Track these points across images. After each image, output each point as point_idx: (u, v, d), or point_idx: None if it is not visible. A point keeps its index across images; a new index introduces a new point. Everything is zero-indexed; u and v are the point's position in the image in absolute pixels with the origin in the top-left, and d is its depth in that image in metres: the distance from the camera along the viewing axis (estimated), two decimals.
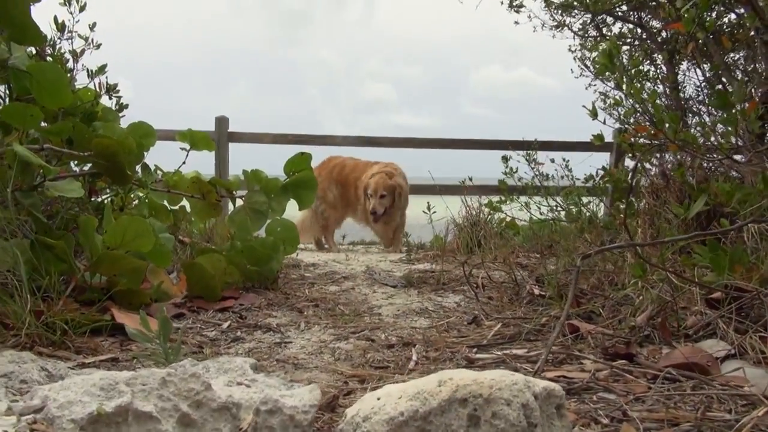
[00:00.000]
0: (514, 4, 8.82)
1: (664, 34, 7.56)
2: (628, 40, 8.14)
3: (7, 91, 2.77)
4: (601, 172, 5.06)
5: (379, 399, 0.87)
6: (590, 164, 7.81)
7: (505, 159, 5.19)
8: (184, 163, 3.65)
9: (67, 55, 3.70)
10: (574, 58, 8.01)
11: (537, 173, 6.03)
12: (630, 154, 4.45)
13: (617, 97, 3.16)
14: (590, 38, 8.45)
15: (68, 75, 3.50)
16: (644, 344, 1.82)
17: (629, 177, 2.87)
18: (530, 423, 0.77)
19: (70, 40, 3.47)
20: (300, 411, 0.85)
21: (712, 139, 2.80)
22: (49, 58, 3.44)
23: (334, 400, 1.25)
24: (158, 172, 3.59)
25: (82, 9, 3.53)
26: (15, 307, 1.71)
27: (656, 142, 3.00)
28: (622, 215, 3.63)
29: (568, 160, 6.04)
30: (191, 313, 2.50)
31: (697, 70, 5.63)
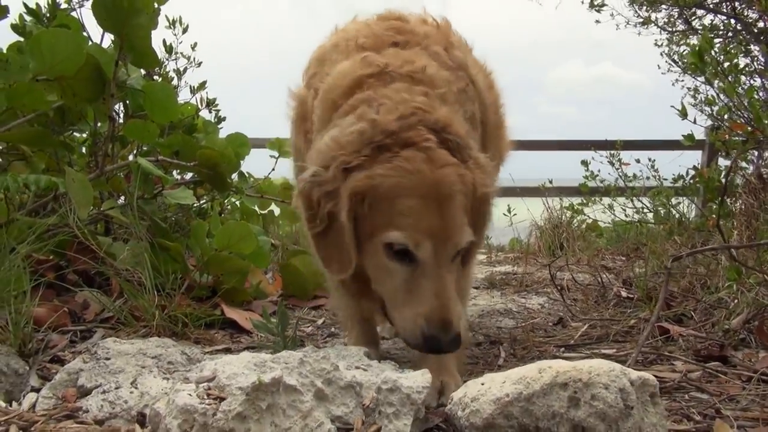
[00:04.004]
0: (596, 3, 8.58)
1: (761, 24, 7.13)
2: (721, 33, 7.72)
3: (123, 109, 3.09)
4: (692, 172, 4.87)
5: (483, 384, 0.97)
6: (680, 164, 7.47)
7: (585, 163, 5.10)
8: (273, 169, 3.89)
9: (172, 74, 4.05)
10: (661, 54, 7.70)
11: (621, 174, 5.87)
12: (724, 153, 4.25)
13: (710, 96, 3.06)
14: (678, 32, 8.10)
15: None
16: (739, 348, 1.79)
17: (723, 176, 2.79)
18: (627, 405, 0.84)
19: (175, 60, 3.81)
20: (415, 391, 0.97)
21: None
22: (156, 77, 3.78)
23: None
24: (251, 178, 3.86)
25: (185, 31, 3.86)
26: (143, 302, 1.94)
27: (752, 139, 2.89)
28: (714, 216, 3.51)
29: (654, 160, 5.83)
30: (287, 311, 2.68)
31: None
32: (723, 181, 2.05)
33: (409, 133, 1.29)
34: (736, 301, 2.07)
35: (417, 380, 1.00)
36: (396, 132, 1.29)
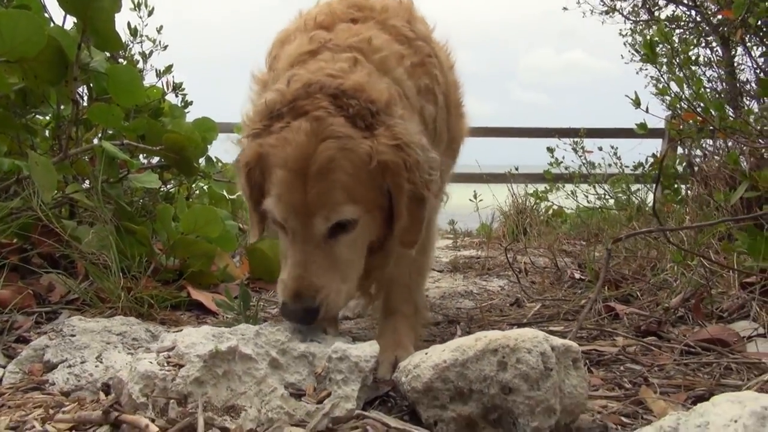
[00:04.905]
0: None
1: (720, 16, 7.33)
2: (682, 23, 7.92)
3: (87, 92, 3.06)
4: (651, 160, 5.06)
5: (426, 353, 1.05)
6: (640, 152, 7.68)
7: (550, 150, 5.23)
8: None
9: (137, 57, 4.01)
10: (624, 44, 7.89)
11: (584, 161, 6.04)
12: (679, 141, 4.41)
13: (662, 86, 3.18)
14: (641, 22, 8.29)
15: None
16: (677, 324, 1.92)
17: (662, 164, 2.92)
18: (547, 367, 0.93)
19: (140, 43, 3.78)
20: (363, 360, 1.05)
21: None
22: (121, 60, 3.75)
23: None
24: (218, 163, 3.87)
25: (150, 13, 3.83)
26: (109, 284, 1.97)
27: (705, 129, 3.03)
28: (670, 202, 3.68)
29: (617, 148, 6.02)
30: (254, 293, 2.73)
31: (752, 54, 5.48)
32: (659, 168, 2.17)
33: (304, 101, 1.29)
34: (678, 281, 2.21)
35: (365, 350, 1.08)
36: (293, 100, 1.30)
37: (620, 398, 1.22)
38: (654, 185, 4.91)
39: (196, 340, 1.00)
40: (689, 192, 3.84)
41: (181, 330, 1.15)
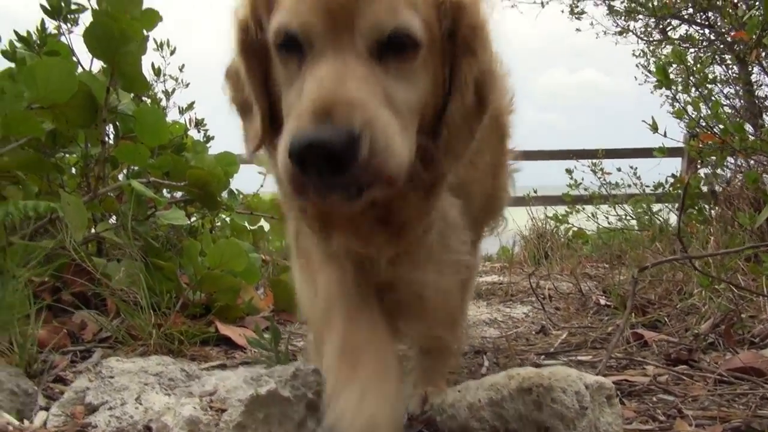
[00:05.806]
0: (575, 11, 8.80)
1: (733, 33, 7.31)
2: (696, 42, 7.91)
3: (113, 131, 3.15)
4: (671, 180, 5.02)
5: (459, 391, 1.06)
6: (659, 171, 7.61)
7: (569, 171, 5.23)
8: (262, 186, 3.97)
9: (160, 95, 4.14)
10: (637, 65, 7.89)
11: (603, 182, 6.01)
12: (699, 161, 4.39)
13: (678, 108, 3.18)
14: (654, 42, 8.30)
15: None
16: (708, 351, 1.90)
17: (686, 189, 2.90)
18: (582, 406, 0.94)
19: (163, 82, 3.90)
20: None
21: None
22: (145, 99, 3.86)
23: None
24: (240, 195, 3.93)
25: (172, 53, 3.95)
26: (140, 321, 2.01)
27: (726, 148, 3.02)
28: (694, 222, 3.64)
29: (636, 168, 5.99)
30: (279, 326, 2.75)
31: None
32: (683, 191, 2.17)
33: None
34: (705, 306, 2.19)
35: None
36: None
37: None
38: (677, 206, 4.88)
39: (236, 383, 1.03)
40: (713, 212, 3.81)
41: (215, 369, 1.18)
